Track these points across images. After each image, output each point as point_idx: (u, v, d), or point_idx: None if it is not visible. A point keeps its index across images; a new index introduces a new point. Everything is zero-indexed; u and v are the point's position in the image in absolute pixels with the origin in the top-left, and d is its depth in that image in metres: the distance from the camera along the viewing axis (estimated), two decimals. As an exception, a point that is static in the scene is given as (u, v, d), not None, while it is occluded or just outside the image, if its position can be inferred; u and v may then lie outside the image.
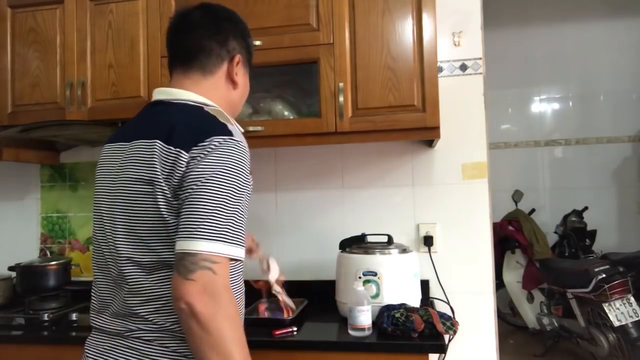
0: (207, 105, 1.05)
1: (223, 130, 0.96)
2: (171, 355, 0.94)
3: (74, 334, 1.54)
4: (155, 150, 0.96)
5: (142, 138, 1.00)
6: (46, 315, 1.66)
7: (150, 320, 0.95)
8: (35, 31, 1.84)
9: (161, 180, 0.94)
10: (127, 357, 0.95)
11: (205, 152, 0.92)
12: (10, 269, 1.90)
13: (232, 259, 0.91)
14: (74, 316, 1.65)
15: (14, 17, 1.86)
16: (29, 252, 2.17)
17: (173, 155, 0.94)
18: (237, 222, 0.92)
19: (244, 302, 1.12)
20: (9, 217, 2.24)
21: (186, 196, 0.91)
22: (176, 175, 0.93)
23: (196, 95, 1.06)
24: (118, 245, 1.00)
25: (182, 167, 0.92)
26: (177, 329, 0.94)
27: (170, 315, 0.94)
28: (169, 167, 0.94)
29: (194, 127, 0.97)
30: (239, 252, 0.92)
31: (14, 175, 2.23)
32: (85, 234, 2.14)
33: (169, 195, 0.93)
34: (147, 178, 0.96)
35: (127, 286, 0.98)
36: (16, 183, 2.23)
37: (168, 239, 0.94)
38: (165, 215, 0.94)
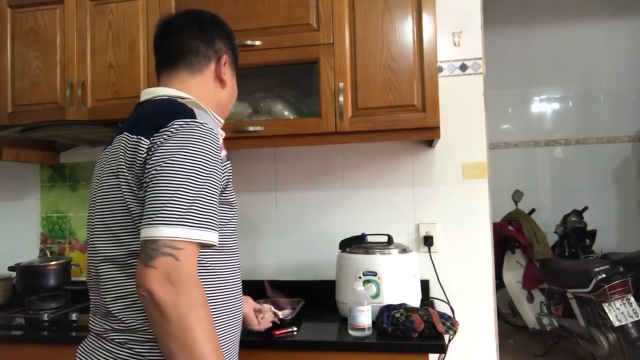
0: (182, 98, 1.04)
1: (186, 113, 0.94)
2: None
3: (73, 334, 1.54)
4: (122, 142, 0.97)
5: (117, 135, 1.02)
6: (46, 315, 1.66)
7: (121, 319, 0.94)
8: (35, 31, 1.84)
9: (125, 170, 0.94)
10: (104, 359, 0.95)
11: (165, 136, 0.90)
12: (10, 268, 1.90)
13: (203, 245, 0.89)
14: (74, 316, 1.65)
15: (14, 17, 1.86)
16: (29, 252, 2.17)
17: (134, 143, 0.93)
18: (203, 204, 0.87)
19: (237, 294, 1.07)
20: (9, 217, 2.24)
21: (147, 182, 0.88)
22: (137, 163, 0.91)
23: (174, 90, 1.06)
24: (95, 243, 1.01)
25: (143, 154, 0.91)
26: (146, 329, 0.91)
27: (140, 314, 0.92)
28: (131, 156, 0.93)
29: (157, 114, 0.96)
30: (207, 236, 0.87)
31: (14, 175, 2.23)
32: (85, 234, 2.13)
33: (133, 185, 0.92)
34: (114, 170, 0.97)
35: (102, 283, 0.98)
36: (16, 183, 2.23)
37: (136, 230, 0.91)
38: (131, 206, 0.92)
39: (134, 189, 0.92)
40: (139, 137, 0.92)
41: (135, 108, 1.09)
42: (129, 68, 1.75)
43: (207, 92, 1.11)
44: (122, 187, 0.94)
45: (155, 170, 0.87)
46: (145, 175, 0.90)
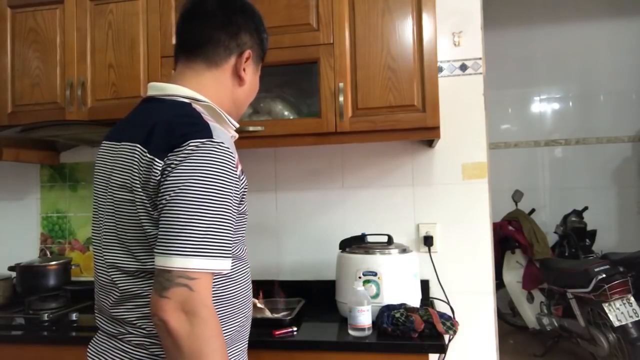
0: (197, 100, 0.99)
1: (202, 132, 0.88)
2: None
3: (74, 334, 1.54)
4: (135, 155, 0.92)
5: (127, 140, 0.96)
6: (46, 315, 1.66)
7: (139, 326, 0.93)
8: (35, 31, 1.84)
9: (139, 188, 0.90)
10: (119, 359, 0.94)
11: (180, 159, 0.86)
12: (10, 269, 1.90)
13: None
14: (74, 316, 1.65)
15: (14, 17, 1.86)
16: (29, 252, 2.17)
17: (148, 162, 0.89)
18: (217, 232, 0.85)
19: (247, 297, 1.06)
20: (9, 217, 2.24)
21: (161, 207, 0.86)
22: (151, 184, 0.88)
23: (187, 89, 1.00)
24: (104, 251, 0.99)
25: (157, 176, 0.87)
26: None
27: None
28: (146, 175, 0.89)
29: (172, 129, 0.90)
30: (221, 265, 0.86)
31: (14, 175, 2.23)
32: (85, 234, 2.14)
33: (147, 205, 0.89)
34: (128, 185, 0.93)
35: (118, 292, 0.96)
36: (16, 183, 2.23)
37: (150, 248, 0.90)
38: (145, 226, 0.90)
39: (149, 208, 0.89)
40: (152, 157, 0.88)
41: (142, 103, 1.04)
42: (129, 68, 1.75)
43: (222, 89, 1.05)
44: (137, 204, 0.91)
45: (169, 195, 0.85)
46: (159, 199, 0.87)
